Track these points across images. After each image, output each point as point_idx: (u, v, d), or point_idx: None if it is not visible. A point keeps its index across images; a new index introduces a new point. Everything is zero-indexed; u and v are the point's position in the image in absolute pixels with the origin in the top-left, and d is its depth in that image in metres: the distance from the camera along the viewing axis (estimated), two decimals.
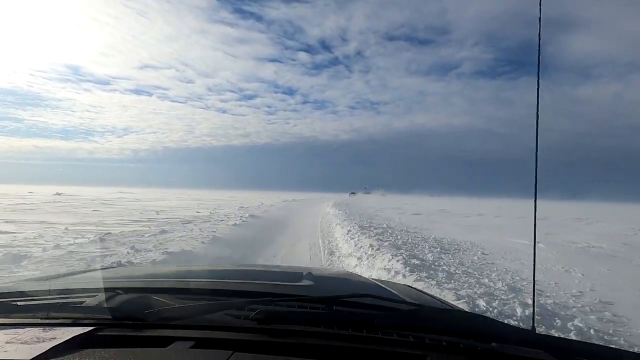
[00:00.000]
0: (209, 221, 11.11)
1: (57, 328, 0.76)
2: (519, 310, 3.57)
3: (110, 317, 0.80)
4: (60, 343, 0.68)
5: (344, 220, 12.46)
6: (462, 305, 3.50)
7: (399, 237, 8.58)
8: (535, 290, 1.26)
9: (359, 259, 6.03)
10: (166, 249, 5.87)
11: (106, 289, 0.96)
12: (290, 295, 1.05)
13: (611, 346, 1.28)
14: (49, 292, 1.04)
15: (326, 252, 7.13)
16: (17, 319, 0.83)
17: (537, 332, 1.10)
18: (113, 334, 0.76)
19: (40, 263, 4.87)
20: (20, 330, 0.75)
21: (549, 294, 4.41)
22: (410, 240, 8.19)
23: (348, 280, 1.61)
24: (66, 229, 8.94)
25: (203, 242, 6.73)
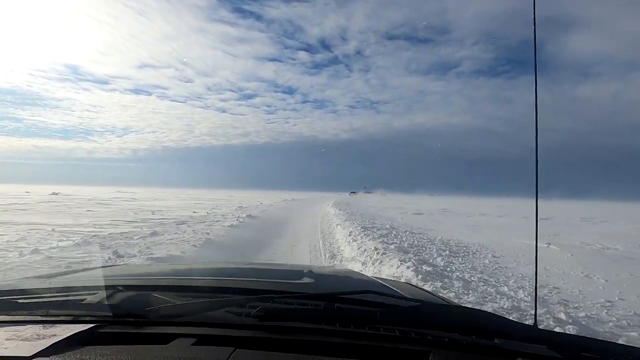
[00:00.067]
0: (204, 222, 10.64)
1: (58, 325, 0.76)
2: (558, 331, 3.12)
3: (111, 314, 0.80)
4: (61, 340, 0.68)
5: (345, 220, 12.01)
6: None
7: (404, 238, 8.13)
8: (537, 289, 1.22)
9: (363, 264, 5.58)
10: (152, 253, 5.42)
11: (107, 287, 0.97)
12: (291, 292, 1.04)
13: (613, 341, 1.18)
14: (50, 289, 1.03)
15: (327, 255, 6.69)
16: (17, 317, 0.82)
17: (539, 327, 0.99)
18: (114, 331, 0.76)
19: (10, 271, 4.43)
20: (20, 328, 0.75)
21: (577, 305, 3.97)
22: (416, 242, 7.74)
23: (348, 278, 1.61)
24: (53, 230, 8.49)
25: (194, 246, 6.28)
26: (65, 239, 7.11)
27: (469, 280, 4.68)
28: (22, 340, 0.69)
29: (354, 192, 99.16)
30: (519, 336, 0.75)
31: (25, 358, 0.61)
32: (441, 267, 5.27)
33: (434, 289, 3.98)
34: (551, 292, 4.48)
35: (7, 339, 0.69)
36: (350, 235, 8.28)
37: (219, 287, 1.09)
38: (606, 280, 5.21)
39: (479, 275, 4.99)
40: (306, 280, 1.27)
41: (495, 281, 4.79)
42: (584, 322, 3.38)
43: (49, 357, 0.63)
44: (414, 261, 5.23)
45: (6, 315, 0.84)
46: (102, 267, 1.90)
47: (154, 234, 7.51)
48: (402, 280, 4.33)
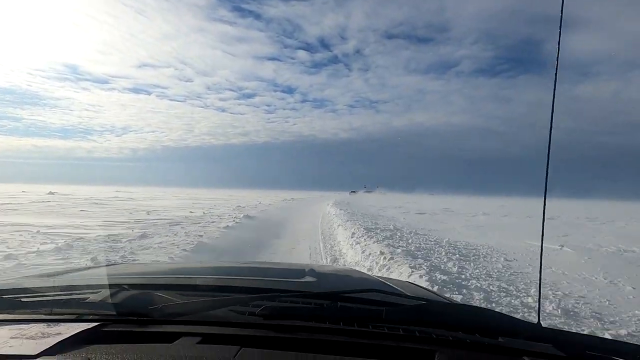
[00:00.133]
0: (199, 223, 10.16)
1: (62, 324, 0.76)
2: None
3: (114, 313, 0.80)
4: (66, 338, 0.68)
5: (347, 221, 11.54)
6: None
7: (410, 241, 7.66)
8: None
9: (369, 270, 5.12)
10: (136, 260, 4.96)
11: (110, 285, 0.96)
12: (295, 291, 1.03)
13: (618, 339, 1.12)
14: (53, 288, 1.03)
15: (329, 259, 6.23)
16: (21, 315, 0.82)
17: (543, 325, 0.88)
18: (118, 329, 0.75)
19: None
20: (25, 326, 0.74)
21: (613, 319, 3.51)
22: (423, 245, 7.28)
23: (350, 277, 1.61)
24: (38, 232, 8.03)
25: (184, 250, 5.80)
26: (48, 241, 6.64)
27: (488, 290, 4.22)
28: (27, 338, 0.68)
29: (354, 192, 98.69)
30: (524, 334, 0.75)
31: (31, 356, 0.61)
32: (455, 275, 4.80)
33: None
34: (578, 303, 4.03)
35: (11, 337, 0.68)
36: (352, 237, 7.82)
37: (222, 285, 1.09)
38: (634, 288, 4.76)
39: (497, 284, 4.53)
40: (308, 279, 1.25)
41: (515, 290, 4.34)
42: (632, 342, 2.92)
43: (54, 355, 0.62)
44: (425, 268, 4.77)
45: (10, 314, 0.83)
46: (105, 265, 1.92)
47: (144, 236, 7.03)
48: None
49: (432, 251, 6.57)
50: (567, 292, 4.45)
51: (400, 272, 4.75)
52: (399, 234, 8.66)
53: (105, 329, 0.75)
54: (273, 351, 0.67)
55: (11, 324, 0.76)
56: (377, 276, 1.73)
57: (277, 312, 0.79)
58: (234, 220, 10.60)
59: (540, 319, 0.94)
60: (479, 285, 4.37)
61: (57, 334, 0.70)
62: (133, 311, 0.80)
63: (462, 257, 6.24)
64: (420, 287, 1.66)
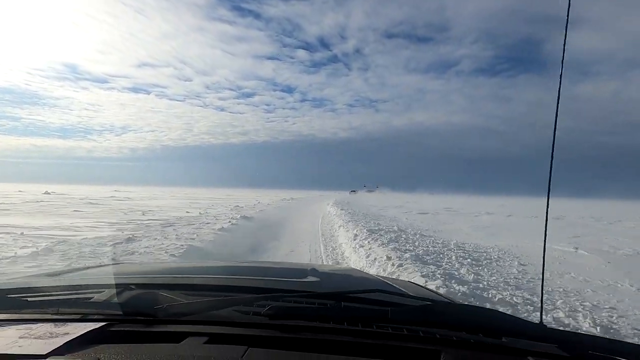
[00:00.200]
0: (193, 224, 9.69)
1: (69, 323, 0.76)
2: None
3: (120, 312, 0.79)
4: (74, 338, 0.67)
5: (348, 221, 11.08)
6: None
7: (417, 243, 7.20)
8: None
9: None
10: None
11: (115, 285, 0.96)
12: (299, 291, 1.03)
13: (622, 340, 0.97)
14: (59, 287, 1.03)
15: (331, 264, 5.77)
16: (28, 315, 0.82)
17: (546, 326, 0.88)
18: (125, 329, 0.75)
19: None
20: (32, 326, 0.74)
21: None
22: (431, 248, 6.81)
23: (352, 276, 1.61)
24: (22, 234, 7.57)
25: (173, 255, 5.34)
26: (30, 245, 6.19)
27: (512, 302, 3.76)
28: (35, 338, 0.67)
29: (354, 191, 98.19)
30: (527, 334, 0.75)
31: (40, 356, 0.61)
32: (472, 284, 4.34)
33: None
34: (612, 316, 3.58)
35: (20, 337, 0.68)
36: (355, 240, 7.35)
37: (226, 285, 1.09)
38: None
39: (520, 294, 4.08)
40: (311, 278, 1.25)
41: (538, 299, 3.89)
42: None
43: (63, 355, 0.62)
44: (440, 276, 4.31)
45: (17, 313, 0.82)
46: (109, 264, 1.88)
47: (131, 239, 6.54)
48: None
49: (441, 255, 6.11)
50: (595, 303, 4.01)
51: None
52: (404, 236, 8.20)
53: (112, 329, 0.75)
54: (280, 351, 0.67)
55: (18, 324, 0.76)
56: (379, 276, 1.74)
57: (284, 312, 0.79)
58: (229, 222, 10.11)
59: (543, 319, 0.94)
60: (501, 296, 3.91)
61: (65, 333, 0.69)
62: (139, 311, 0.80)
63: (474, 262, 5.79)
64: (422, 286, 1.64)
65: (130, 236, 6.91)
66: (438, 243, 7.62)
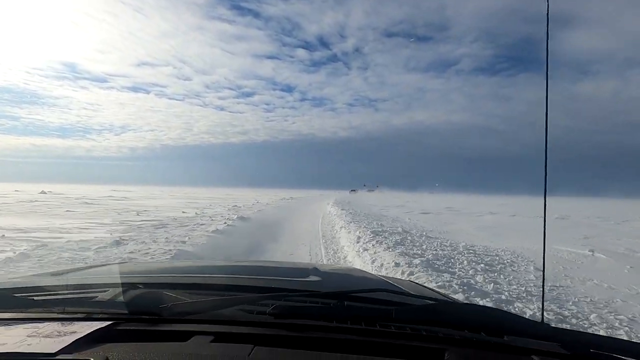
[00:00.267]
0: (187, 225, 9.22)
1: (76, 322, 0.76)
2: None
3: (126, 311, 0.80)
4: (82, 337, 0.68)
5: (350, 222, 10.63)
6: None
7: (424, 246, 6.75)
8: (544, 289, 1.29)
9: None
10: None
11: (120, 284, 0.96)
12: (302, 290, 1.02)
13: (623, 338, 1.06)
14: (64, 287, 1.03)
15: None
16: (34, 314, 0.82)
17: (548, 324, 0.89)
18: (131, 328, 0.75)
19: None
20: (39, 325, 0.74)
21: None
22: (440, 251, 6.36)
23: (354, 276, 1.62)
24: (2, 236, 7.13)
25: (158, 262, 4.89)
26: (7, 249, 5.75)
27: (545, 319, 3.33)
28: (43, 337, 0.68)
29: (354, 190, 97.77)
30: (529, 333, 0.75)
31: (49, 354, 0.61)
32: (494, 295, 3.88)
33: None
34: None
35: (28, 336, 0.68)
36: (358, 242, 6.90)
37: (229, 284, 1.09)
38: None
39: (548, 307, 3.64)
40: (313, 278, 1.24)
41: (569, 314, 3.46)
42: None
43: (72, 354, 0.62)
44: (457, 287, 3.85)
45: (23, 312, 0.83)
46: (114, 263, 1.83)
47: (117, 243, 6.07)
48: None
49: (452, 260, 5.67)
50: (630, 316, 3.58)
51: None
52: (409, 238, 7.75)
53: (119, 328, 0.75)
54: (286, 349, 0.67)
55: (25, 323, 0.76)
56: (380, 275, 1.76)
57: (287, 311, 0.79)
58: (225, 223, 9.64)
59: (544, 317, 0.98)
60: (530, 312, 3.47)
61: (73, 332, 0.69)
62: (144, 310, 0.80)
63: (487, 268, 5.35)
64: (423, 286, 1.67)
65: (117, 239, 6.45)
66: (446, 245, 7.18)
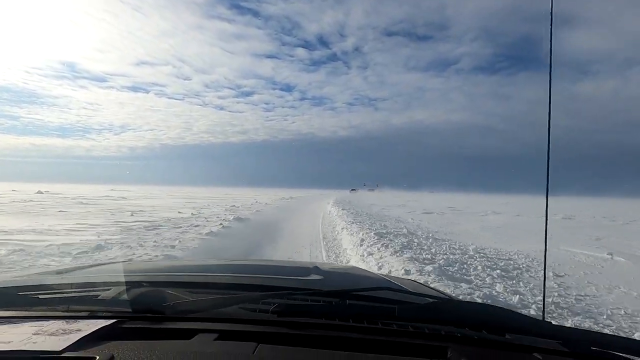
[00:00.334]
0: (181, 227, 8.76)
1: (80, 320, 0.76)
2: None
3: (130, 310, 0.80)
4: (87, 335, 0.68)
5: (351, 223, 10.18)
6: None
7: (433, 250, 6.29)
8: (545, 287, 1.23)
9: None
10: None
11: (124, 282, 0.97)
12: (304, 289, 1.03)
13: (625, 336, 1.01)
14: (68, 285, 1.04)
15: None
16: (39, 312, 0.82)
17: (548, 321, 0.87)
18: (136, 326, 0.75)
19: None
20: (44, 323, 0.74)
21: None
22: (451, 256, 5.90)
23: (356, 275, 1.62)
24: None
25: None
26: None
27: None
28: (49, 335, 0.68)
29: (354, 190, 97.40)
30: (530, 331, 0.74)
31: (55, 352, 0.61)
32: (521, 310, 3.44)
33: None
34: None
35: (34, 334, 0.68)
36: (362, 245, 6.45)
37: (231, 283, 1.10)
38: None
39: (579, 320, 3.20)
40: (314, 277, 1.24)
41: (609, 332, 3.02)
42: None
43: (77, 351, 0.62)
44: (480, 300, 3.39)
45: (27, 310, 0.83)
46: (118, 262, 1.74)
47: (99, 247, 5.59)
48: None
49: (465, 266, 5.22)
50: None
51: None
52: (416, 241, 7.30)
53: (123, 326, 0.75)
54: (289, 347, 0.67)
55: (30, 321, 0.76)
56: (381, 274, 1.80)
57: (289, 309, 0.80)
58: (221, 224, 9.16)
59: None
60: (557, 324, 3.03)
61: (78, 330, 0.70)
62: (148, 308, 0.80)
63: (504, 274, 4.91)
64: (424, 284, 1.67)
65: (103, 243, 5.99)
66: (455, 249, 6.73)
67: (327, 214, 15.62)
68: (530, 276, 5.00)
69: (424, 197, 48.57)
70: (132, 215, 13.07)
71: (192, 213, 13.69)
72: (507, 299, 3.72)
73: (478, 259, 5.77)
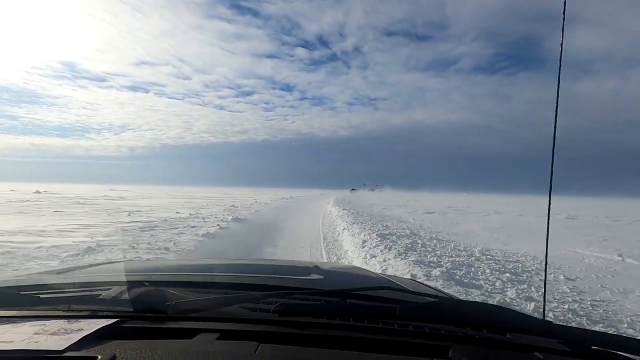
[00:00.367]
0: (177, 227, 8.52)
1: (82, 320, 0.76)
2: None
3: (131, 309, 0.80)
4: (89, 334, 0.67)
5: (352, 223, 9.95)
6: None
7: (438, 252, 6.06)
8: (546, 287, 1.21)
9: None
10: None
11: (125, 282, 0.98)
12: (304, 288, 1.03)
13: (626, 335, 0.92)
14: (70, 284, 1.05)
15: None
16: (40, 312, 0.82)
17: (550, 321, 0.85)
18: (137, 325, 0.75)
19: None
20: (46, 322, 0.74)
21: None
22: (457, 258, 5.67)
23: (356, 274, 1.62)
24: None
25: None
26: None
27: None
28: (50, 334, 0.67)
29: (354, 189, 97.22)
30: (531, 330, 0.74)
31: (57, 352, 0.61)
32: (538, 317, 3.22)
33: None
34: None
35: (35, 334, 0.68)
36: (364, 247, 6.22)
37: (233, 283, 1.10)
38: None
39: (601, 329, 2.96)
40: (315, 276, 1.24)
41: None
42: None
43: (79, 351, 0.62)
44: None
45: (29, 310, 0.83)
46: (119, 261, 1.73)
47: (90, 250, 5.35)
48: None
49: (472, 268, 4.99)
50: None
51: None
52: (420, 242, 7.07)
53: (125, 325, 0.75)
54: (290, 347, 0.67)
55: (31, 320, 0.76)
56: (381, 274, 1.81)
57: (290, 309, 0.80)
58: (218, 225, 8.91)
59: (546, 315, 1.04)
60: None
61: (79, 329, 0.69)
62: (150, 308, 0.80)
63: (514, 278, 4.68)
64: (424, 284, 1.66)
65: (93, 245, 5.75)
66: (460, 250, 6.50)
67: (328, 214, 15.39)
68: (541, 280, 4.77)
69: (424, 197, 48.36)
70: (129, 215, 12.84)
71: (190, 213, 13.45)
72: (522, 306, 3.49)
73: (485, 262, 5.54)
